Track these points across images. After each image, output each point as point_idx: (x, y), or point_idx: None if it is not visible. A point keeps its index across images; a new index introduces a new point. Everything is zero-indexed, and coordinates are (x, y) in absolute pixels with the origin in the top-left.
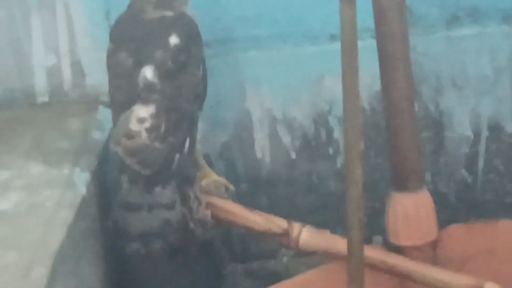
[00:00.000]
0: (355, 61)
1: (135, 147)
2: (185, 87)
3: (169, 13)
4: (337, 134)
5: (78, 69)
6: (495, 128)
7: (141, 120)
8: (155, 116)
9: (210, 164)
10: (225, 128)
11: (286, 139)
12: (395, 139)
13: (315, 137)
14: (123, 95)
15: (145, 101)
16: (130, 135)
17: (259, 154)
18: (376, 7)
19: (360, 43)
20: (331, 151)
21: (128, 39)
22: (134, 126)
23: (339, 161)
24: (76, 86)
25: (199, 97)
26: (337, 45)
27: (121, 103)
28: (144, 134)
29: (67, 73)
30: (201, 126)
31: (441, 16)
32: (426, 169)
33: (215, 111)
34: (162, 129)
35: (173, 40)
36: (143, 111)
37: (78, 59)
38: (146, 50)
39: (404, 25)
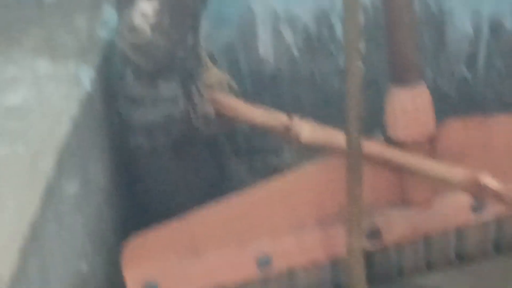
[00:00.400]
0: None
1: (139, 42)
2: None
3: None
4: (339, 32)
5: None
6: (496, 26)
7: (145, 15)
8: (159, 11)
9: (214, 62)
10: (229, 26)
11: (289, 37)
12: (392, 33)
13: (318, 36)
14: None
15: None
16: (134, 30)
17: (262, 52)
18: None
19: None
20: (333, 49)
21: None
22: (138, 21)
23: (341, 60)
24: None
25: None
26: None
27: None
28: (148, 29)
29: None
30: (204, 23)
31: None
32: (427, 66)
33: (219, 9)
34: (166, 24)
35: None
36: (147, 6)
37: None
38: None
39: None
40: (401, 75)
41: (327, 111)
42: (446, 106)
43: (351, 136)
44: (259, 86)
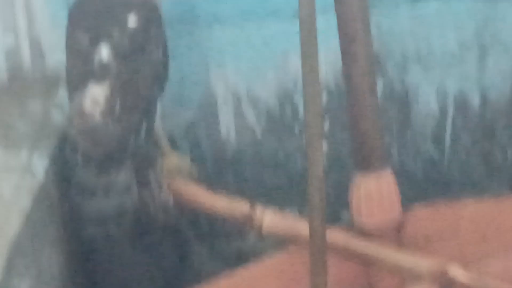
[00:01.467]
0: (314, 38)
1: (88, 127)
2: (142, 69)
3: None
4: (303, 112)
5: (37, 49)
6: (462, 104)
7: (95, 101)
8: (109, 97)
9: (175, 144)
10: (190, 107)
11: (251, 117)
12: (356, 118)
13: (281, 115)
14: (79, 74)
15: (100, 81)
16: (84, 115)
17: (224, 133)
18: None
19: (322, 18)
20: (297, 129)
21: (86, 16)
22: (88, 106)
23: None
24: (35, 67)
25: (158, 79)
26: None
27: (76, 83)
28: (97, 115)
29: (26, 53)
30: (165, 105)
31: None
32: (392, 146)
33: (179, 90)
34: (117, 110)
35: (132, 19)
36: (97, 92)
37: (37, 38)
38: (103, 29)
39: (364, 4)
40: (365, 161)
41: (292, 192)
42: (413, 189)
43: (313, 225)
44: (221, 167)
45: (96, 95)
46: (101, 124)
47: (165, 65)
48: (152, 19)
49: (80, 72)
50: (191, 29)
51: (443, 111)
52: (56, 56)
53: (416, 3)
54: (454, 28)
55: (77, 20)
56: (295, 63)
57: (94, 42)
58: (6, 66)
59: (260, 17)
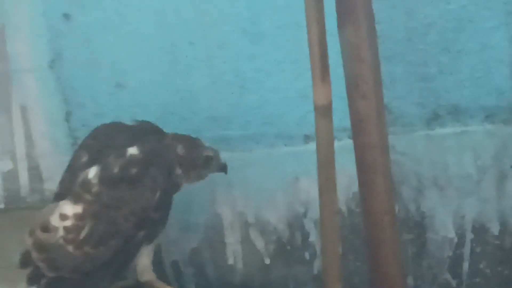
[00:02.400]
0: (332, 172)
1: (46, 243)
2: (126, 203)
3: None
4: (313, 237)
5: (36, 174)
6: (480, 230)
7: (63, 217)
8: (79, 217)
9: (179, 271)
10: (195, 233)
11: (259, 243)
12: (375, 255)
13: (290, 241)
14: (63, 188)
15: (76, 199)
16: (46, 229)
17: (231, 260)
18: (354, 116)
19: (336, 144)
20: (307, 255)
21: (96, 138)
22: (54, 220)
23: (316, 266)
24: (34, 192)
25: (147, 223)
26: (312, 146)
27: (57, 196)
28: (60, 232)
29: (24, 178)
30: (170, 231)
31: (421, 114)
32: (408, 273)
33: (185, 216)
34: (82, 234)
35: (132, 150)
36: (68, 208)
37: (36, 164)
38: (103, 153)
39: (384, 135)
40: None
41: None
42: None
43: None
44: None
45: (66, 211)
46: (61, 244)
47: (161, 214)
48: (157, 159)
49: (64, 185)
50: None
51: (460, 237)
52: (56, 181)
53: (433, 125)
54: (471, 151)
55: (86, 141)
56: (305, 187)
57: (89, 163)
58: (3, 191)
59: (269, 141)
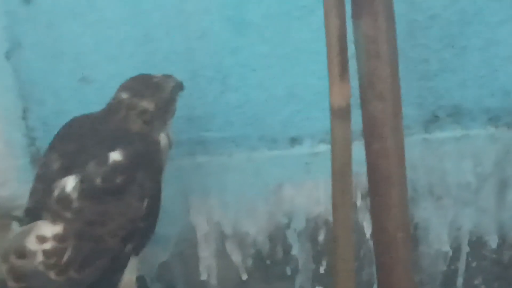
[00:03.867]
0: (348, 184)
1: (23, 270)
2: (112, 217)
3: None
4: (295, 251)
5: None
6: (477, 243)
7: (41, 239)
8: (60, 238)
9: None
10: (165, 245)
11: (236, 257)
12: (387, 277)
13: (271, 255)
14: (35, 202)
15: (54, 217)
16: (22, 254)
17: (204, 275)
18: (367, 119)
19: None
20: (288, 270)
21: (68, 140)
22: (30, 243)
23: (298, 282)
24: None
25: (134, 236)
26: (298, 150)
27: (28, 211)
28: (39, 257)
29: None
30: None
31: (419, 116)
32: None
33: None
34: (65, 257)
35: (115, 155)
36: (46, 228)
37: None
38: (80, 157)
39: (401, 141)
40: None
41: None
42: None
43: None
44: None
45: (44, 232)
46: (41, 271)
47: (149, 223)
48: (143, 163)
49: (36, 199)
50: (170, 155)
51: (456, 251)
52: (10, 186)
53: (431, 128)
54: (471, 157)
55: (57, 142)
56: (289, 195)
57: (64, 171)
58: None
59: (251, 144)
